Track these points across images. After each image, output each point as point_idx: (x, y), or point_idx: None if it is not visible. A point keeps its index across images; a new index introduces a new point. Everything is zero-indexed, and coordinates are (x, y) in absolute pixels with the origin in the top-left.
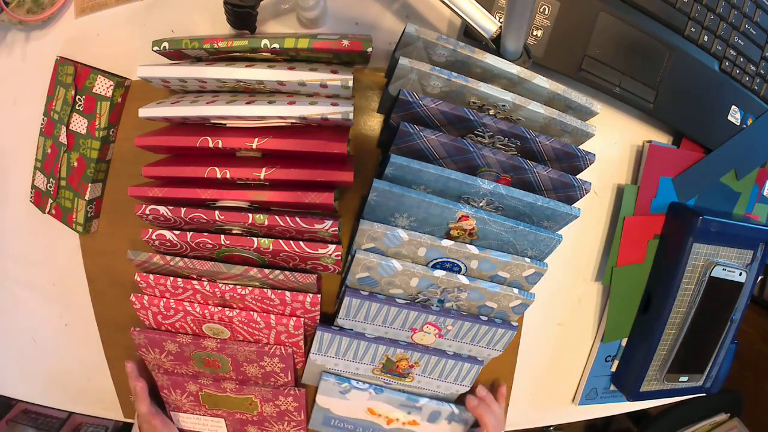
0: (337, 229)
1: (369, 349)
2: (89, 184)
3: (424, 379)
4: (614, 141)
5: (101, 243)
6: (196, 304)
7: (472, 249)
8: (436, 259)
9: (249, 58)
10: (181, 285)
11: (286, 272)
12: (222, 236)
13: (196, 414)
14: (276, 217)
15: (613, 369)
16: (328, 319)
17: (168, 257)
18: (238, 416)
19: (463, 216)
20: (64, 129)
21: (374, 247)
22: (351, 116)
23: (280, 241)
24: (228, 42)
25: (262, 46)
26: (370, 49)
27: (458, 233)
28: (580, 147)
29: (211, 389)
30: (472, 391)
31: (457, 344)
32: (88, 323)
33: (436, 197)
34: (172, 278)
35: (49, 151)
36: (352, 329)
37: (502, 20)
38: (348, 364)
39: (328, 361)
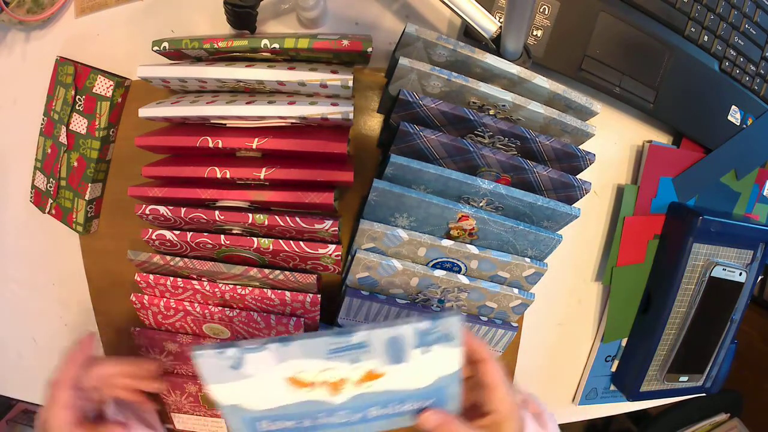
0: (337, 229)
1: None
2: (89, 184)
3: None
4: (614, 141)
5: (101, 243)
6: (196, 304)
7: (472, 249)
8: (436, 259)
9: (249, 58)
10: (181, 285)
11: (286, 272)
12: (222, 236)
13: (197, 415)
14: (276, 217)
15: (613, 369)
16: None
17: (168, 257)
18: None
19: (463, 216)
20: (64, 129)
21: (374, 246)
22: (351, 116)
23: (280, 241)
24: (228, 42)
25: (262, 46)
26: (370, 49)
27: (458, 233)
28: (580, 147)
29: None
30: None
31: None
32: (88, 323)
33: (436, 197)
34: (172, 278)
35: (49, 151)
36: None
37: (502, 20)
38: None
39: None
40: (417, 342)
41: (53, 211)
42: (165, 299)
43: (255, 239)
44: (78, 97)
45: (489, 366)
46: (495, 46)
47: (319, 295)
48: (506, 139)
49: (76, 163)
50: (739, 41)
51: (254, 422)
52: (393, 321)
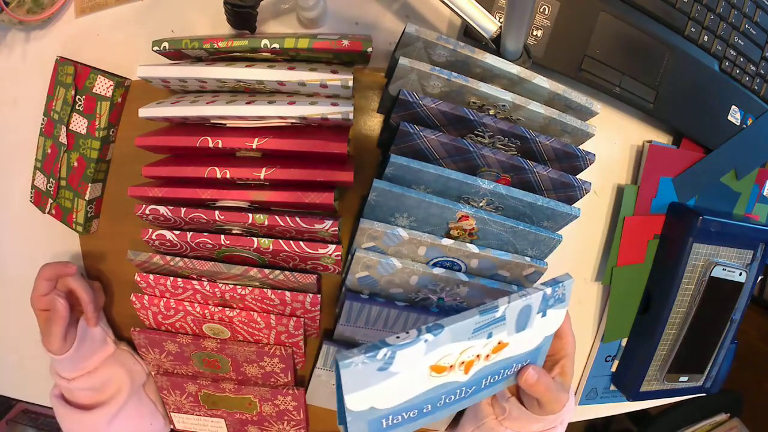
0: (337, 229)
1: None
2: (89, 184)
3: None
4: (614, 141)
5: (101, 243)
6: (196, 304)
7: (472, 248)
8: (436, 258)
9: (249, 58)
10: (181, 285)
11: (286, 272)
12: (222, 236)
13: (197, 414)
14: (276, 217)
15: (613, 369)
16: (328, 335)
17: (168, 257)
18: (238, 416)
19: (463, 216)
20: (64, 129)
21: (374, 246)
22: (351, 116)
23: (280, 241)
24: (228, 42)
25: (262, 46)
26: (370, 49)
27: (458, 233)
28: (580, 147)
29: (210, 389)
30: None
31: None
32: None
33: (436, 197)
34: (172, 278)
35: (49, 151)
36: (353, 337)
37: (502, 20)
38: None
39: (332, 377)
40: (540, 307)
41: (53, 211)
42: (165, 299)
43: (255, 239)
44: (78, 97)
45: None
46: (495, 46)
47: (319, 295)
48: (506, 139)
49: (76, 163)
50: (739, 41)
51: (379, 421)
52: (526, 290)
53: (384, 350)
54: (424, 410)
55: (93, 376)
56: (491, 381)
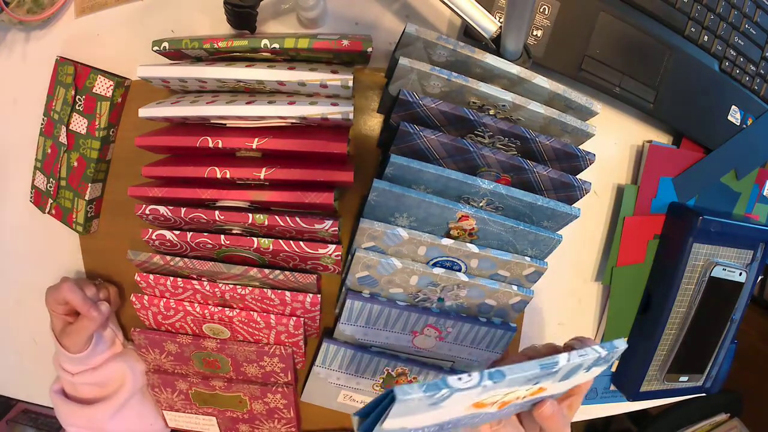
0: (337, 229)
1: (371, 362)
2: (89, 184)
3: None
4: (614, 141)
5: (101, 243)
6: (196, 304)
7: (472, 248)
8: (436, 257)
9: (249, 58)
10: (181, 285)
11: (286, 272)
12: (222, 236)
13: (188, 413)
14: (276, 217)
15: (613, 369)
16: (327, 334)
17: (168, 257)
18: (229, 414)
19: (463, 216)
20: (64, 129)
21: (374, 245)
22: (351, 116)
23: (280, 241)
24: (228, 42)
25: (262, 46)
26: (370, 49)
27: (458, 233)
28: (580, 147)
29: (201, 387)
30: None
31: (458, 347)
32: None
33: (436, 197)
34: (172, 278)
35: (49, 151)
36: (353, 336)
37: (502, 20)
38: (350, 378)
39: (331, 375)
40: (588, 365)
41: (53, 211)
42: (165, 299)
43: (255, 239)
44: (78, 97)
45: None
46: (495, 46)
47: (319, 295)
48: (506, 139)
49: (76, 163)
50: (739, 41)
51: None
52: (585, 350)
53: (444, 391)
54: (445, 428)
55: (97, 371)
56: (512, 411)
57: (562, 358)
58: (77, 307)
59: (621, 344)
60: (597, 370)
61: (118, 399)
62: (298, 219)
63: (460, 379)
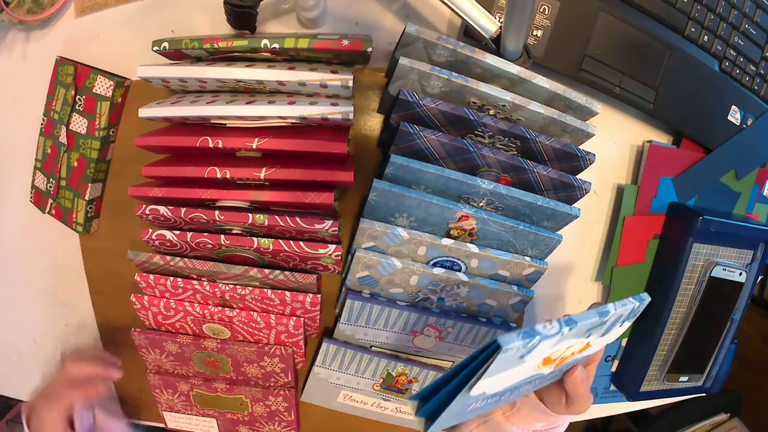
0: (337, 229)
1: (371, 363)
2: (89, 184)
3: None
4: (614, 141)
5: (101, 243)
6: (196, 304)
7: (472, 248)
8: (436, 257)
9: (249, 58)
10: (181, 285)
11: (286, 272)
12: (222, 236)
13: (188, 414)
14: (276, 217)
15: (613, 369)
16: (327, 334)
17: (168, 257)
18: (230, 416)
19: (463, 216)
20: (64, 129)
21: (374, 245)
22: (351, 116)
23: (280, 241)
24: (228, 42)
25: (262, 46)
26: (370, 49)
27: (458, 233)
28: (580, 147)
29: (203, 389)
30: None
31: (458, 347)
32: (88, 323)
33: (436, 197)
34: (172, 278)
35: (49, 151)
36: (353, 336)
37: (502, 20)
38: (350, 378)
39: (331, 375)
40: (623, 318)
41: (53, 211)
42: (165, 299)
43: (255, 239)
44: (78, 97)
45: None
46: (495, 46)
47: (319, 295)
48: (506, 139)
49: (76, 163)
50: (739, 41)
51: (470, 404)
52: (623, 301)
53: (537, 338)
54: (502, 397)
55: None
56: (552, 376)
57: (611, 307)
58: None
59: (646, 297)
60: (624, 326)
61: None
62: (298, 219)
63: (545, 327)
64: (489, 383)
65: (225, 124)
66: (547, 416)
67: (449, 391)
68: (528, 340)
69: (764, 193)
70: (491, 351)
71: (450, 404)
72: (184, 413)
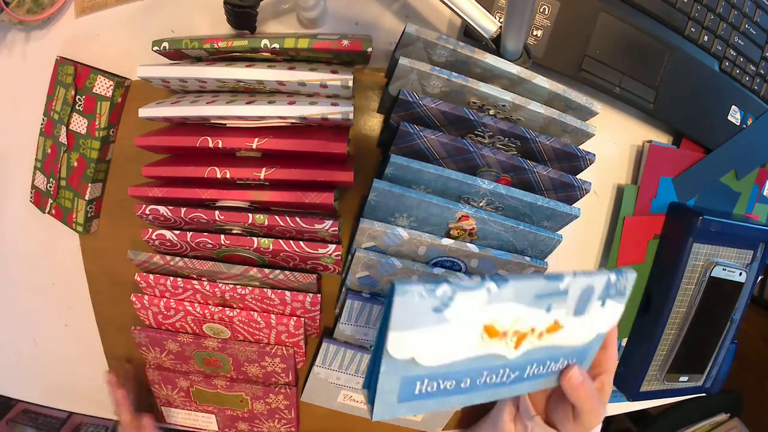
0: (337, 229)
1: None
2: (89, 184)
3: None
4: (614, 141)
5: (101, 243)
6: (196, 304)
7: (472, 248)
8: (437, 257)
9: (249, 58)
10: (181, 285)
11: (286, 272)
12: (222, 236)
13: (187, 409)
14: (276, 217)
15: None
16: (327, 334)
17: (168, 257)
18: (229, 413)
19: (463, 216)
20: (64, 129)
21: (374, 245)
22: (351, 116)
23: (280, 241)
24: (228, 42)
25: (262, 46)
26: (370, 49)
27: (458, 233)
28: (580, 147)
29: (202, 385)
30: None
31: None
32: (88, 323)
33: (436, 197)
34: (172, 278)
35: (49, 151)
36: (353, 336)
37: (502, 20)
38: (350, 378)
39: (331, 375)
40: (601, 293)
41: (53, 211)
42: (165, 299)
43: (255, 239)
44: (78, 97)
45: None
46: (495, 46)
47: (319, 295)
48: (506, 139)
49: (76, 163)
50: (739, 41)
51: (414, 383)
52: (589, 271)
53: (444, 287)
54: (462, 385)
55: None
56: (535, 372)
57: (568, 273)
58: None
59: (630, 271)
60: (613, 308)
61: None
62: (298, 219)
63: (459, 277)
64: (412, 343)
65: (225, 124)
66: None
67: (375, 350)
68: (433, 287)
69: (764, 193)
70: (391, 294)
71: (380, 374)
72: (183, 408)
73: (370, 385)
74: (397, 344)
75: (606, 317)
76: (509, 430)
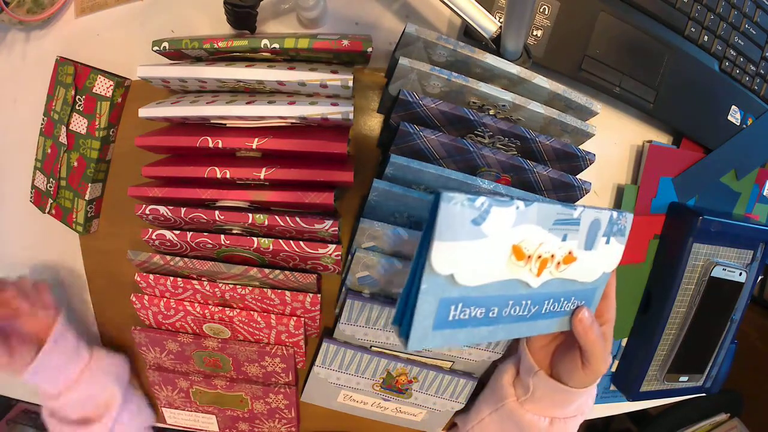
0: (337, 228)
1: (371, 362)
2: (89, 184)
3: (422, 395)
4: (614, 141)
5: (101, 243)
6: (196, 304)
7: None
8: None
9: (249, 58)
10: (181, 285)
11: (286, 272)
12: (222, 236)
13: (188, 410)
14: (276, 217)
15: (613, 369)
16: (327, 334)
17: (168, 257)
18: (229, 413)
19: None
20: (64, 129)
21: (374, 245)
22: (351, 116)
23: (280, 240)
24: (228, 42)
25: (262, 46)
26: (370, 49)
27: None
28: (580, 147)
29: (202, 386)
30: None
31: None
32: (88, 323)
33: None
34: (172, 278)
35: (49, 151)
36: (353, 336)
37: (502, 20)
38: (350, 378)
39: (331, 375)
40: (606, 229)
41: (53, 211)
42: (165, 299)
43: (255, 239)
44: (78, 97)
45: (611, 276)
46: (495, 46)
47: (319, 295)
48: (506, 139)
49: (76, 163)
50: (739, 41)
51: (449, 307)
52: (596, 206)
53: (482, 199)
54: (490, 314)
55: (77, 388)
56: (551, 309)
57: (579, 206)
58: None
59: (628, 212)
60: (615, 246)
61: (111, 414)
62: (298, 219)
63: (491, 192)
64: (453, 258)
65: (225, 124)
66: (563, 395)
67: (413, 274)
68: (473, 197)
69: (764, 193)
70: (436, 204)
71: (419, 294)
72: (183, 409)
73: (404, 315)
74: (441, 257)
75: (610, 255)
76: (509, 395)
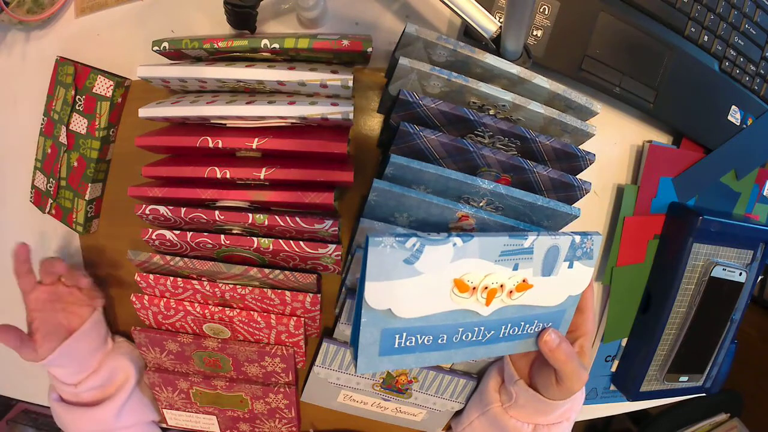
0: (337, 228)
1: None
2: (89, 184)
3: (421, 395)
4: (614, 141)
5: (101, 243)
6: (196, 304)
7: None
8: None
9: (249, 58)
10: (181, 285)
11: (286, 272)
12: (222, 236)
13: (188, 411)
14: (276, 217)
15: (613, 369)
16: (327, 334)
17: (168, 257)
18: (230, 413)
19: (463, 216)
20: (64, 129)
21: None
22: (351, 116)
23: (280, 240)
24: (228, 42)
25: (262, 46)
26: (370, 49)
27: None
28: (580, 147)
29: (202, 387)
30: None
31: None
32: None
33: (436, 197)
34: (172, 278)
35: (49, 151)
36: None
37: (502, 20)
38: (350, 378)
39: (331, 375)
40: (568, 254)
41: (53, 211)
42: (165, 299)
43: (255, 239)
44: (78, 97)
45: (587, 290)
46: (495, 46)
47: (319, 295)
48: (506, 139)
49: (76, 163)
50: (739, 41)
51: (393, 336)
52: (553, 232)
53: (413, 240)
54: (439, 341)
55: (99, 373)
56: (510, 332)
57: (531, 233)
58: (79, 282)
59: (595, 234)
60: (582, 270)
61: (125, 392)
62: (298, 219)
63: (428, 233)
64: (388, 294)
65: (225, 124)
66: (544, 405)
67: (357, 306)
68: (403, 239)
69: (764, 193)
70: (366, 247)
71: (360, 325)
72: (184, 410)
73: (355, 340)
74: (374, 294)
75: (576, 280)
76: (494, 400)
